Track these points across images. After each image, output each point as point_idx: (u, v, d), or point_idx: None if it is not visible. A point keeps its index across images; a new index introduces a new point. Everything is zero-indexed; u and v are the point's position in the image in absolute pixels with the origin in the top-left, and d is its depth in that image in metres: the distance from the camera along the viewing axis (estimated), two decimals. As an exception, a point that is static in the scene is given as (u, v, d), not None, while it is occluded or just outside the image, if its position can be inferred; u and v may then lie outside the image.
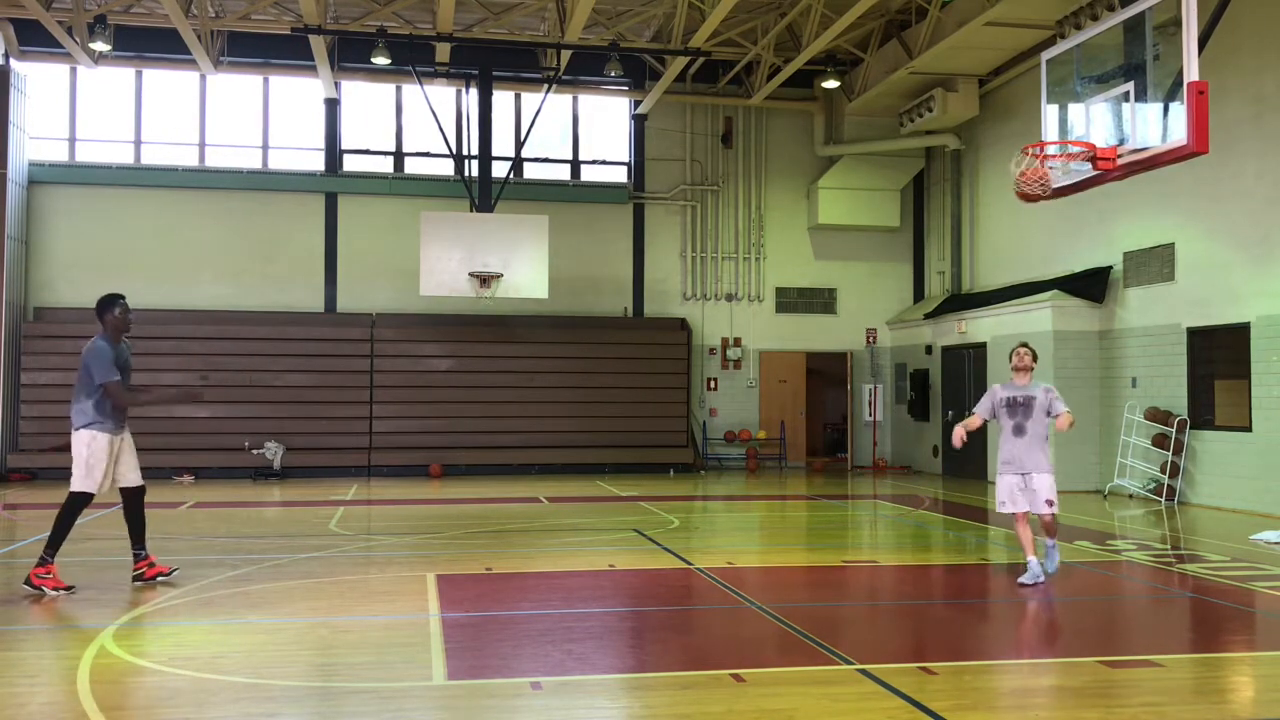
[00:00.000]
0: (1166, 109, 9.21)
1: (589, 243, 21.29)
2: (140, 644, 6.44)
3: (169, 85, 20.47)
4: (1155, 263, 15.64)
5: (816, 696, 5.40)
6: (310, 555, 9.96)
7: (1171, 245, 15.33)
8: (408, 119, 21.11)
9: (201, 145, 20.45)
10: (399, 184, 20.80)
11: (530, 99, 20.88)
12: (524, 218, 18.88)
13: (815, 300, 22.31)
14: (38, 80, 19.75)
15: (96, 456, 8.20)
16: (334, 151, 20.73)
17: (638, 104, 21.43)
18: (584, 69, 20.71)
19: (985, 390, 9.28)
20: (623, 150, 21.96)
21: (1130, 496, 15.66)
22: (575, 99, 21.58)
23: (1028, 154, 9.92)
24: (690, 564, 9.53)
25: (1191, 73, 8.84)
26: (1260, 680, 6.09)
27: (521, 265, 18.40)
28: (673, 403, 21.00)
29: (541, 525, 12.64)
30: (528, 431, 20.36)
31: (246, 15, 18.40)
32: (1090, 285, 16.71)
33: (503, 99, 20.98)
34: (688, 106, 21.79)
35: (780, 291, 22.16)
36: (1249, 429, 13.85)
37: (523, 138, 20.43)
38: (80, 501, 8.20)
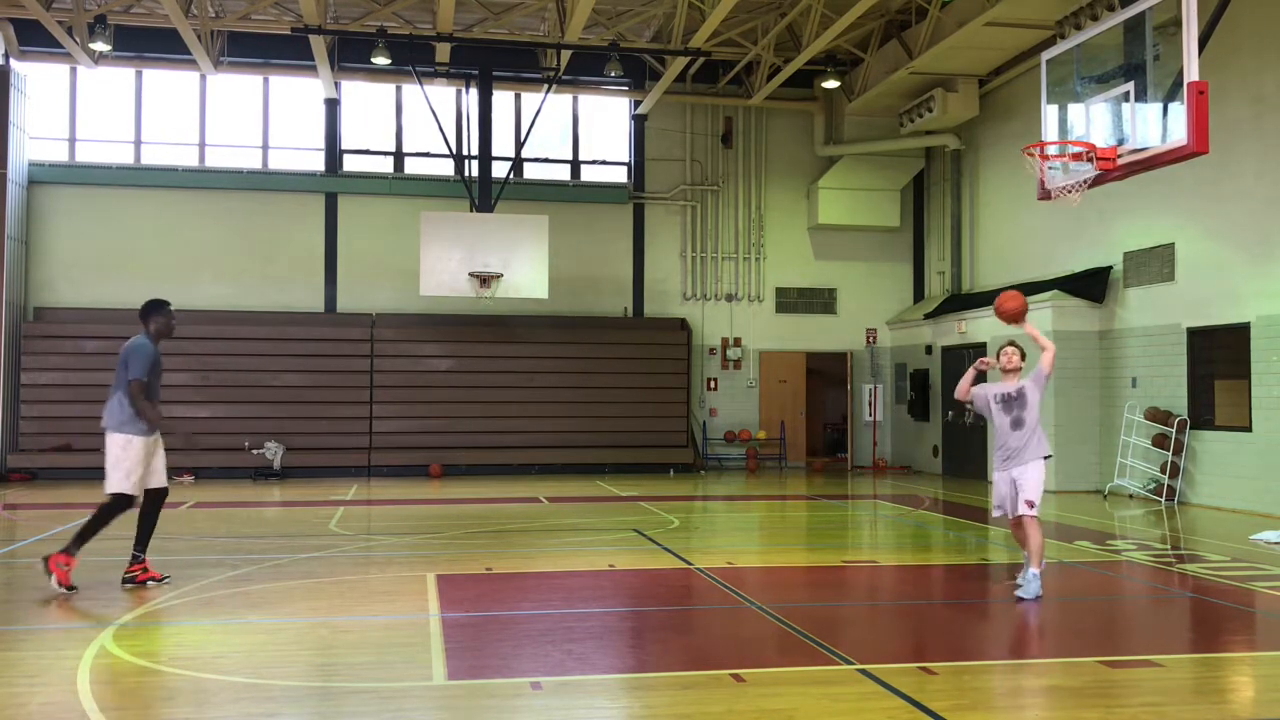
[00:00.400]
0: (1166, 109, 9.21)
1: (589, 243, 21.29)
2: (140, 644, 6.44)
3: (169, 85, 20.47)
4: (1155, 263, 15.64)
5: (816, 696, 5.40)
6: (310, 555, 9.96)
7: (1171, 245, 15.34)
8: (408, 119, 21.12)
9: (201, 145, 20.45)
10: (399, 184, 20.80)
11: (530, 99, 20.88)
12: (524, 218, 18.88)
13: (815, 300, 22.31)
14: (38, 80, 19.76)
15: (134, 461, 8.20)
16: (334, 151, 20.73)
17: (638, 104, 21.43)
18: (584, 69, 20.72)
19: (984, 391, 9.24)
20: (623, 150, 21.96)
21: (1130, 496, 15.66)
22: (575, 99, 21.58)
23: (1031, 154, 9.93)
24: (690, 564, 9.52)
25: (1191, 73, 8.84)
26: (1260, 680, 6.09)
27: (521, 265, 18.40)
28: (673, 403, 21.00)
29: (541, 525, 12.64)
30: (528, 431, 20.36)
31: (246, 15, 18.40)
32: (1090, 285, 16.71)
33: (503, 99, 20.98)
34: (688, 106, 21.80)
35: (780, 291, 22.16)
36: (1249, 429, 13.85)
37: (523, 138, 20.44)
38: (121, 504, 8.22)
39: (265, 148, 20.63)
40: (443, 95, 20.66)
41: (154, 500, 8.51)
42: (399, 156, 21.09)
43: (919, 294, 22.52)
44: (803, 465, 21.92)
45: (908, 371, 21.65)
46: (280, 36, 19.19)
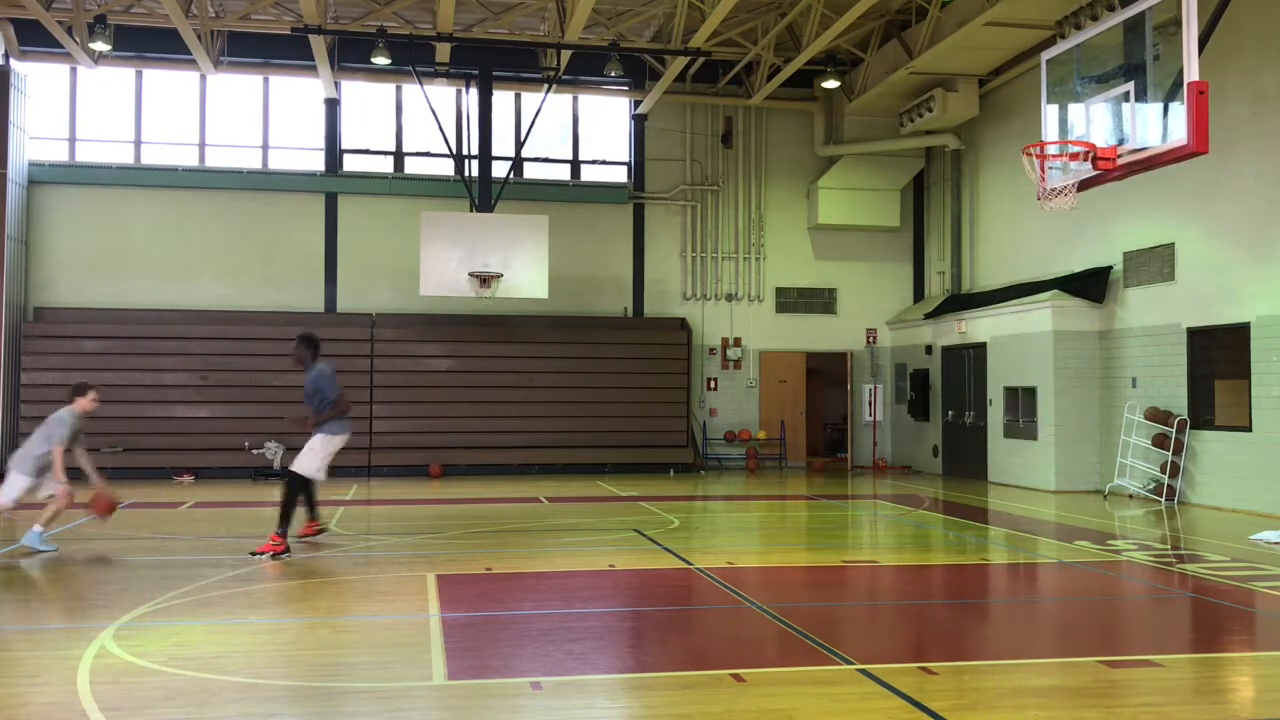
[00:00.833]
0: (1166, 109, 9.21)
1: (589, 243, 21.29)
2: (140, 644, 6.44)
3: (169, 85, 20.47)
4: (1155, 263, 15.64)
5: (816, 696, 5.40)
6: (310, 555, 9.96)
7: (1171, 245, 15.34)
8: (408, 119, 21.11)
9: (201, 145, 20.45)
10: (399, 184, 20.80)
11: (530, 99, 20.88)
12: (524, 218, 18.88)
13: (815, 300, 22.31)
14: (38, 80, 19.76)
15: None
16: (334, 151, 20.73)
17: (638, 104, 21.43)
18: (584, 69, 20.71)
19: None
20: (623, 150, 21.96)
21: (1130, 496, 15.66)
22: (575, 99, 21.58)
23: (1029, 154, 9.93)
24: (690, 564, 9.53)
25: (1191, 73, 8.84)
26: (1260, 680, 6.09)
27: (521, 265, 18.40)
28: (673, 403, 21.00)
29: (541, 525, 12.64)
30: (528, 431, 20.36)
31: (246, 15, 18.40)
32: (1090, 285, 16.71)
33: (503, 99, 20.98)
34: (688, 106, 21.80)
35: (780, 291, 22.16)
36: (1249, 429, 13.85)
37: (523, 138, 20.43)
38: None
39: (265, 148, 20.63)
40: (443, 95, 20.66)
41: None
42: (399, 156, 21.08)
43: (919, 294, 22.52)
44: (803, 465, 21.92)
45: (908, 371, 21.65)
46: (280, 36, 19.19)
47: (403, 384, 20.11)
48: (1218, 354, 14.74)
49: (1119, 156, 9.64)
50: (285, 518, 9.84)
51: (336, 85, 20.28)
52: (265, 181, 20.36)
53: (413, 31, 18.45)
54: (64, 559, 9.78)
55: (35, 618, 7.40)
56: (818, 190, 21.65)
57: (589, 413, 20.56)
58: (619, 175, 21.90)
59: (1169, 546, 11.01)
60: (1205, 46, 9.14)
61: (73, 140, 20.03)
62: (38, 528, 10.01)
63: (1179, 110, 8.99)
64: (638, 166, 21.74)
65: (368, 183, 20.73)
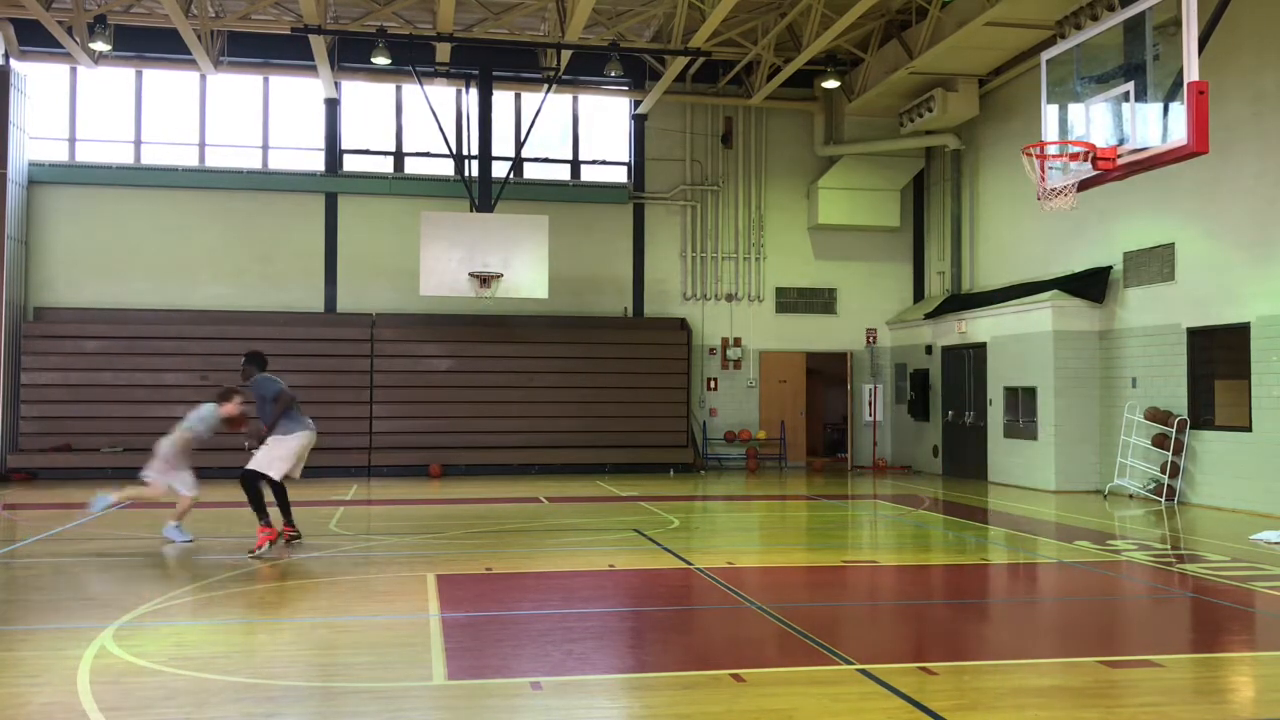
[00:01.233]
0: (1166, 109, 9.21)
1: (589, 243, 21.29)
2: (140, 644, 6.44)
3: (169, 85, 20.47)
4: (1155, 263, 15.64)
5: (816, 696, 5.40)
6: (310, 555, 9.96)
7: (1171, 245, 15.34)
8: (408, 119, 21.11)
9: (201, 145, 20.45)
10: (399, 184, 20.80)
11: (530, 99, 20.88)
12: (524, 218, 18.88)
13: (815, 300, 22.31)
14: (38, 80, 19.75)
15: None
16: (334, 151, 20.73)
17: (638, 104, 21.43)
18: (584, 69, 20.71)
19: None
20: (623, 150, 21.96)
21: (1130, 496, 15.66)
22: (575, 99, 21.58)
23: (1029, 154, 9.93)
24: (690, 564, 9.53)
25: (1191, 73, 8.84)
26: (1260, 680, 6.09)
27: (521, 265, 18.40)
28: (673, 403, 21.00)
29: (541, 525, 12.64)
30: (528, 431, 20.36)
31: (246, 15, 18.40)
32: (1090, 285, 16.71)
33: (503, 99, 20.98)
34: (688, 106, 21.80)
35: (780, 291, 22.16)
36: (1249, 429, 13.85)
37: (523, 138, 20.43)
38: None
39: (265, 148, 20.63)
40: (443, 95, 20.66)
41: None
42: (399, 156, 21.08)
43: (919, 294, 22.53)
44: (803, 465, 21.92)
45: (908, 371, 21.65)
46: (280, 36, 19.19)
47: (403, 384, 20.11)
48: (1218, 354, 14.74)
49: (1119, 156, 9.64)
50: (259, 509, 10.03)
51: (336, 85, 20.28)
52: (265, 181, 20.36)
53: (413, 31, 18.45)
54: (64, 559, 9.78)
55: (35, 618, 7.40)
56: (818, 190, 21.65)
57: (589, 413, 20.56)
58: (619, 175, 21.90)
59: (1169, 546, 11.01)
60: (1205, 46, 9.13)
61: (73, 140, 20.03)
62: (173, 522, 10.72)
63: (1179, 110, 8.99)
64: (638, 166, 21.74)
65: (368, 183, 20.72)
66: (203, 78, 20.18)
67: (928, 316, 20.76)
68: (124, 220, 19.88)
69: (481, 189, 19.29)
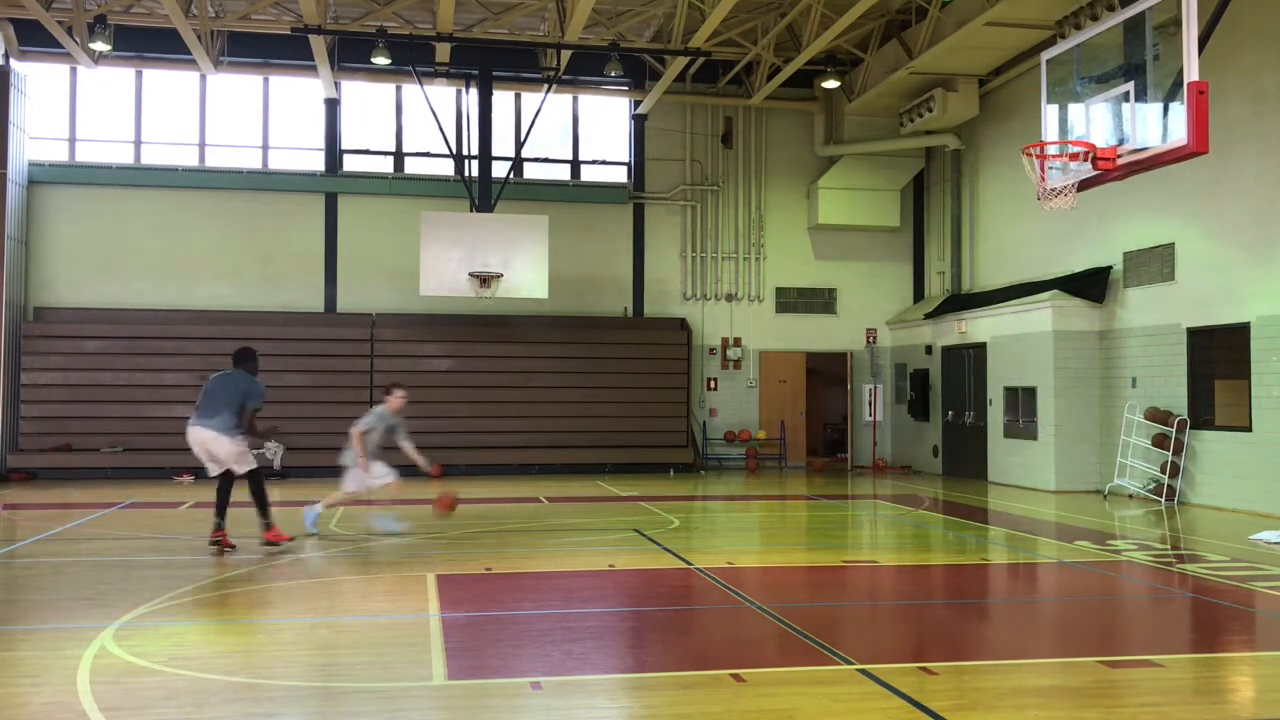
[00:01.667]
0: (1166, 109, 9.21)
1: (589, 243, 21.29)
2: (140, 644, 6.44)
3: (169, 85, 20.47)
4: (1155, 263, 15.64)
5: (816, 696, 5.40)
6: (310, 555, 9.96)
7: (1171, 245, 15.33)
8: (408, 119, 21.11)
9: (201, 145, 20.45)
10: (399, 184, 20.80)
11: (530, 99, 20.88)
12: (524, 218, 18.88)
13: (815, 300, 22.31)
14: (38, 80, 19.75)
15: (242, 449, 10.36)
16: (334, 151, 20.73)
17: (638, 104, 21.43)
18: (584, 69, 20.71)
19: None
20: (623, 150, 21.96)
21: (1130, 496, 15.66)
22: (575, 99, 21.58)
23: (1029, 155, 9.93)
24: (690, 564, 9.52)
25: (1191, 73, 8.84)
26: (1260, 680, 6.09)
27: (521, 265, 18.40)
28: (673, 403, 21.00)
29: (541, 525, 12.64)
30: (528, 431, 20.36)
31: (246, 15, 18.40)
32: (1090, 285, 16.71)
33: (503, 99, 20.98)
34: (688, 106, 21.80)
35: (780, 291, 22.16)
36: (1249, 429, 13.85)
37: (523, 138, 20.44)
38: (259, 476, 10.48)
39: (265, 148, 20.63)
40: (443, 95, 20.66)
41: (229, 480, 10.40)
42: (399, 156, 21.08)
43: (919, 294, 22.52)
44: (803, 465, 21.92)
45: (908, 371, 21.65)
46: (280, 36, 19.18)
47: (403, 384, 20.03)
48: (1218, 354, 14.74)
49: (1119, 156, 9.65)
50: (263, 508, 10.43)
51: (336, 85, 20.28)
52: (265, 181, 20.36)
53: (413, 31, 18.45)
54: (64, 559, 9.78)
55: (35, 618, 7.40)
56: (818, 190, 21.65)
57: (589, 413, 20.55)
58: (619, 175, 21.90)
59: (1169, 546, 11.01)
60: (1205, 46, 9.14)
61: (73, 140, 20.03)
62: (379, 512, 11.70)
63: (1179, 110, 8.99)
64: (638, 166, 21.74)
65: (368, 183, 20.72)
66: (203, 78, 20.18)
67: (928, 316, 20.76)
68: (124, 220, 19.88)
69: (481, 189, 19.29)
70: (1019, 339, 17.68)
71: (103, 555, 9.96)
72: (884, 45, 19.33)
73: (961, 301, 20.09)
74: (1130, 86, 9.60)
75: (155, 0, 17.78)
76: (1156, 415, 15.13)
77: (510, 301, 19.12)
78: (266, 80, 20.54)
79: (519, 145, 20.62)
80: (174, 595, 7.99)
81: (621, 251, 21.58)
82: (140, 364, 19.18)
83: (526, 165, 21.30)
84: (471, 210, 19.22)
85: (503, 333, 20.50)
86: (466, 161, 19.92)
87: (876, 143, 21.11)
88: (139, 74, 20.18)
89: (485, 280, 18.17)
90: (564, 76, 20.01)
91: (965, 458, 19.52)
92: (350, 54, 19.96)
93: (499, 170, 20.01)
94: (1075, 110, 10.36)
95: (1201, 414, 14.78)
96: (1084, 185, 10.10)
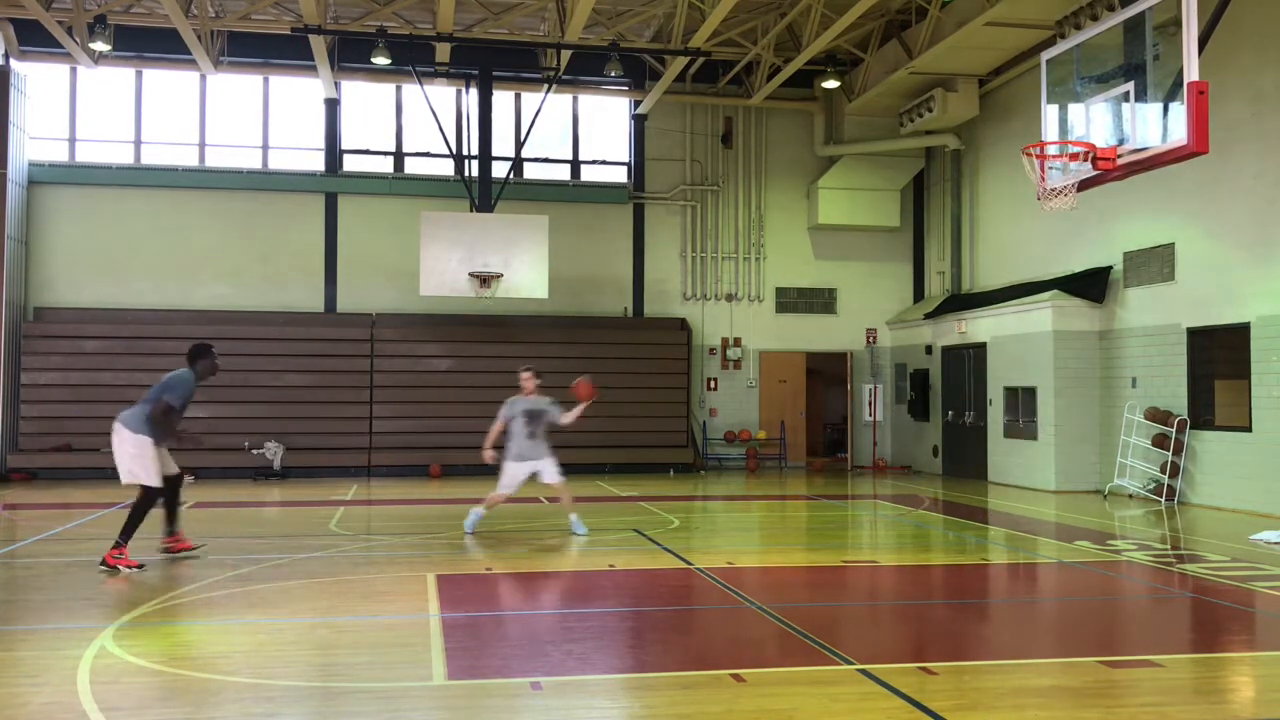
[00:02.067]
0: (1166, 109, 9.21)
1: (589, 243, 21.29)
2: (140, 644, 6.44)
3: (169, 85, 20.47)
4: (1155, 263, 15.64)
5: (816, 696, 5.40)
6: (310, 555, 9.96)
7: (1171, 245, 15.34)
8: (408, 119, 21.11)
9: (201, 145, 20.45)
10: (399, 184, 20.80)
11: (530, 99, 20.88)
12: (524, 218, 18.89)
13: (815, 300, 22.31)
14: (38, 80, 19.75)
15: (151, 457, 9.38)
16: (334, 151, 20.73)
17: (638, 104, 21.43)
18: (584, 69, 20.71)
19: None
20: (623, 150, 21.96)
21: (1130, 496, 15.66)
22: (575, 99, 21.58)
23: (1029, 155, 9.93)
24: (690, 564, 9.52)
25: (1191, 73, 8.84)
26: (1260, 680, 6.09)
27: (521, 265, 18.41)
28: (673, 403, 21.00)
29: (541, 525, 12.64)
30: (528, 431, 20.32)
31: (246, 15, 18.40)
32: (1090, 285, 16.71)
33: (503, 99, 20.98)
34: (688, 106, 21.80)
35: (780, 291, 22.16)
36: (1249, 429, 13.85)
37: (523, 138, 20.44)
38: (154, 496, 9.48)
39: (265, 148, 20.63)
40: (443, 95, 20.66)
41: (174, 484, 9.72)
42: (399, 156, 21.08)
43: (919, 294, 22.52)
44: (803, 465, 21.92)
45: (908, 371, 21.65)
46: (280, 36, 19.19)
47: (403, 384, 20.11)
48: (1218, 354, 14.74)
49: (1119, 156, 9.65)
50: (129, 528, 9.15)
51: (336, 85, 20.28)
52: (265, 181, 20.36)
53: (413, 31, 18.45)
54: (64, 559, 9.78)
55: (35, 618, 7.40)
56: (818, 190, 21.66)
57: (589, 413, 20.33)
58: (619, 175, 21.90)
59: (1169, 546, 11.01)
60: (1205, 46, 9.14)
61: (73, 140, 20.03)
62: (571, 515, 11.64)
63: (1179, 110, 8.99)
64: (638, 166, 21.74)
65: (368, 183, 20.73)
66: (203, 78, 20.18)
67: (928, 316, 20.76)
68: (124, 220, 19.88)
69: (481, 189, 19.29)
70: (1019, 339, 17.68)
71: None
72: (884, 45, 19.33)
73: (961, 301, 20.09)
74: (1130, 86, 9.60)
75: (155, 0, 17.79)
76: (1156, 415, 15.13)
77: (510, 301, 19.12)
78: (266, 80, 20.55)
79: (519, 145, 20.62)
80: (174, 595, 7.99)
81: (621, 251, 21.58)
82: (140, 364, 19.13)
83: (526, 165, 21.30)
84: (471, 210, 19.23)
85: (503, 333, 20.50)
86: (466, 161, 19.92)
87: (876, 143, 21.11)
88: (139, 74, 20.18)
89: (485, 280, 18.18)
90: (564, 76, 20.01)
91: (965, 458, 19.52)
92: (350, 54, 19.96)
93: (499, 170, 20.01)
94: (1075, 110, 10.36)
95: (1201, 414, 14.78)
96: (1084, 185, 10.10)
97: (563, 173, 21.68)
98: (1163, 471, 14.91)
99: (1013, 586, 9.38)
